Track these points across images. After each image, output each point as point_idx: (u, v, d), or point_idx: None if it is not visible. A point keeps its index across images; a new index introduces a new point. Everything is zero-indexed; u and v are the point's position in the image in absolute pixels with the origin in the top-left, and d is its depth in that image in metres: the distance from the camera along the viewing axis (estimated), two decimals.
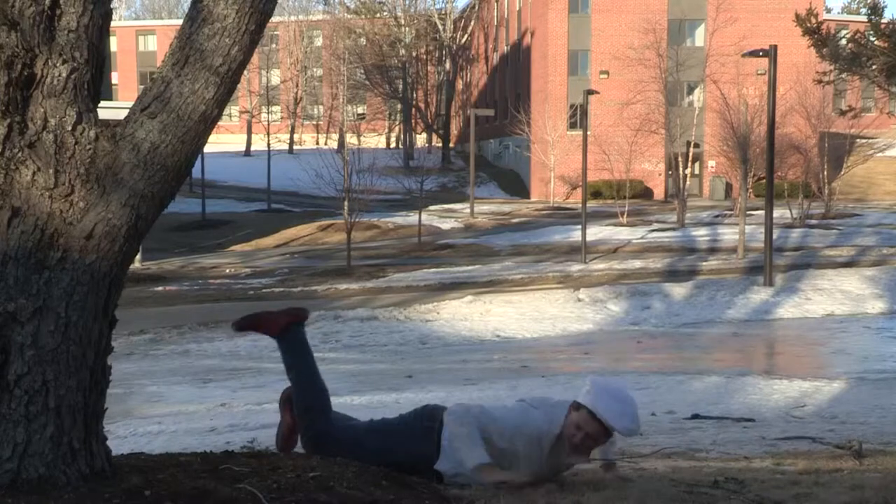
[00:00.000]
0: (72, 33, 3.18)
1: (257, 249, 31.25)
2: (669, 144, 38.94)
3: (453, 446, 4.00)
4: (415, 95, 64.29)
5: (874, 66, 13.45)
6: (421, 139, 66.40)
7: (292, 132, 63.25)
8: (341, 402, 8.41)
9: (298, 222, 35.61)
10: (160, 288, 22.32)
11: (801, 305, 17.39)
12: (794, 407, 8.11)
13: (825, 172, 36.90)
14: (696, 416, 7.39)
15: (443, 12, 60.71)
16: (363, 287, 21.71)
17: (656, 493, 3.78)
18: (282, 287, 22.15)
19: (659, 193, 46.07)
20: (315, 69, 68.90)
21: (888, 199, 43.25)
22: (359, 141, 34.81)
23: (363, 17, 64.90)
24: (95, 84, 3.29)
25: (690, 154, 38.38)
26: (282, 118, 64.28)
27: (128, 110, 3.31)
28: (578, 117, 43.33)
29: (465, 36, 62.70)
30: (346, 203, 25.78)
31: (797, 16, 13.89)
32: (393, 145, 67.88)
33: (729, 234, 29.27)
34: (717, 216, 36.02)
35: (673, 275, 22.16)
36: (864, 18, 13.87)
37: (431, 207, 38.63)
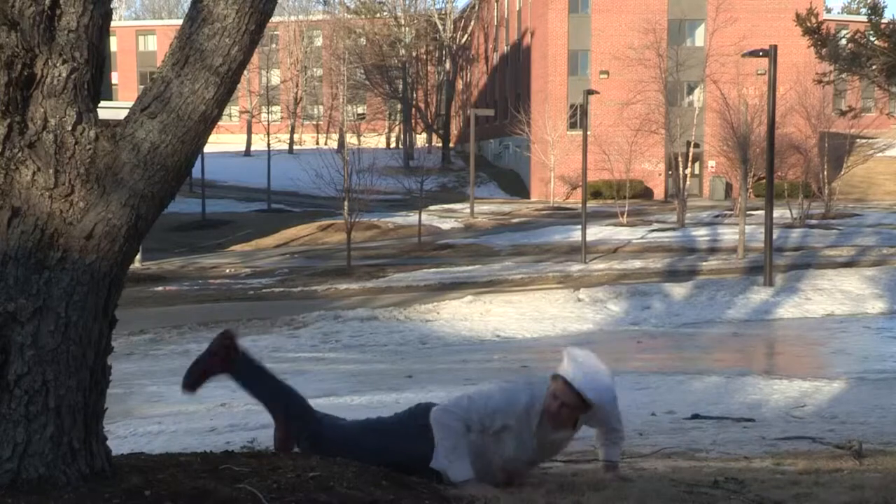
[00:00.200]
0: (72, 33, 3.18)
1: (257, 249, 31.24)
2: (669, 144, 38.93)
3: (440, 456, 4.03)
4: (415, 95, 64.27)
5: (874, 66, 13.46)
6: (421, 139, 66.37)
7: (292, 132, 63.23)
8: (341, 402, 8.41)
9: (298, 222, 35.60)
10: (160, 288, 22.31)
11: (801, 305, 17.37)
12: (794, 407, 8.11)
13: (825, 172, 36.89)
14: (696, 416, 7.39)
15: (443, 12, 60.70)
16: (363, 287, 21.70)
17: (656, 493, 3.78)
18: (282, 287, 22.14)
19: (659, 193, 46.06)
20: (315, 69, 68.88)
21: (888, 199, 43.24)
22: (359, 141, 34.77)
23: (363, 17, 64.89)
24: (95, 84, 3.29)
25: (690, 154, 38.37)
26: (282, 118, 64.26)
27: (128, 110, 3.31)
28: (578, 117, 43.33)
29: (465, 36, 62.69)
30: (346, 203, 25.77)
31: (797, 16, 13.89)
32: (393, 145, 67.83)
33: (729, 234, 29.26)
34: (717, 216, 35.99)
35: (673, 275, 22.15)
36: (864, 18, 13.87)
37: (431, 207, 38.61)
